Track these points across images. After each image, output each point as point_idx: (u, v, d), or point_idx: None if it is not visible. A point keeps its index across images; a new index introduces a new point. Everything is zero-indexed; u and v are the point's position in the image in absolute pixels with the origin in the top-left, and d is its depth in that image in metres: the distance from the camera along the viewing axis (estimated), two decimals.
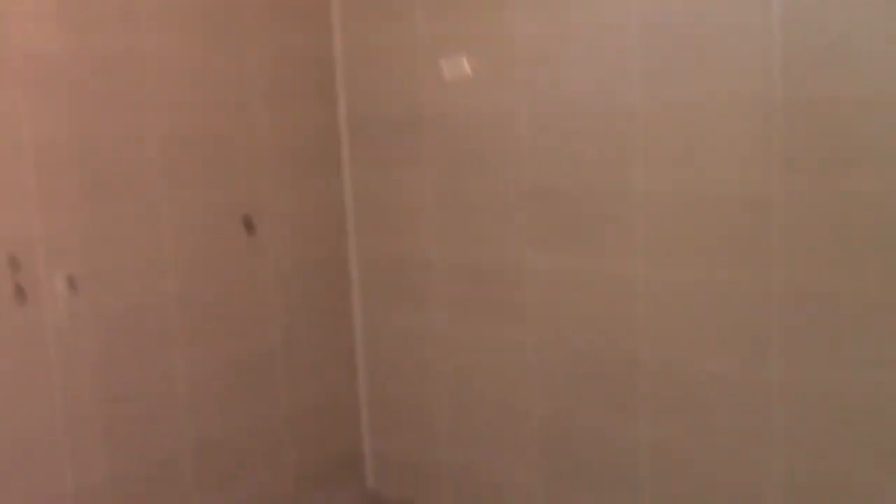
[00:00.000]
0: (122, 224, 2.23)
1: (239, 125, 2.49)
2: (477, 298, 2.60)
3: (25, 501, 2.06)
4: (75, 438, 2.15)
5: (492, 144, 2.49)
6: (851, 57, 1.90)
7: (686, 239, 2.18)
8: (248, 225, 2.51)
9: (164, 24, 2.28)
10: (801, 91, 1.96)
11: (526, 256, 2.47)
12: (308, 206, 2.72)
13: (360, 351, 2.91)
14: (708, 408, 2.21)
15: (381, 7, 2.69)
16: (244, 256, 2.53)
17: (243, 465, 2.56)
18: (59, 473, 2.12)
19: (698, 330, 2.20)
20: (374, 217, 2.81)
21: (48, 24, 2.04)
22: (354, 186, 2.83)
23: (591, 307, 2.37)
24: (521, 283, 2.50)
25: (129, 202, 2.24)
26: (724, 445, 2.20)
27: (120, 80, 2.19)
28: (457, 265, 2.63)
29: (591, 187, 2.32)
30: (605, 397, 2.39)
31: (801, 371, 2.05)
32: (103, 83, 2.16)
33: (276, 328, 2.63)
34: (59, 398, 2.11)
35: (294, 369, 2.69)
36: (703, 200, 2.14)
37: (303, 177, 2.69)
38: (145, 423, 2.30)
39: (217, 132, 2.43)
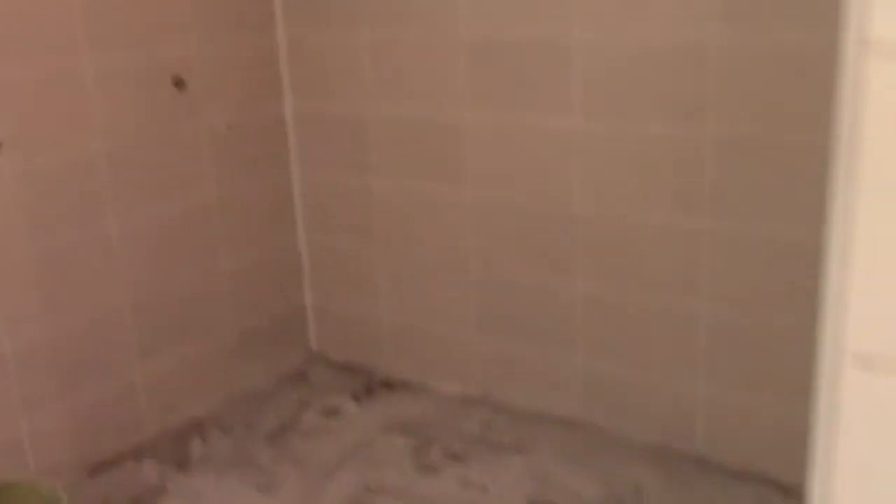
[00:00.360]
0: (45, 82, 2.14)
1: None
2: (415, 157, 2.59)
3: None
4: (8, 298, 2.12)
5: None
6: None
7: (621, 91, 2.17)
8: (178, 82, 2.43)
9: None
10: None
11: (464, 113, 2.45)
12: (240, 63, 2.63)
13: (299, 211, 2.89)
14: (641, 260, 2.26)
15: None
16: (174, 114, 2.46)
17: (184, 328, 2.57)
18: None
19: (633, 183, 2.22)
20: (309, 74, 2.74)
21: None
22: (289, 42, 2.74)
23: (529, 164, 2.38)
24: (459, 140, 2.48)
25: (50, 59, 2.14)
26: (655, 296, 2.26)
27: None
28: (394, 123, 2.59)
29: (529, 40, 2.28)
30: (542, 253, 2.42)
31: (730, 220, 2.10)
32: None
33: (210, 187, 2.59)
34: None
35: (231, 230, 2.67)
36: (639, 51, 2.12)
37: (234, 31, 2.59)
38: (80, 284, 2.29)
39: None
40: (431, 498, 2.20)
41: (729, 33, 1.98)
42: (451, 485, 2.25)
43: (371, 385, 2.79)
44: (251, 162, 2.71)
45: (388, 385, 2.79)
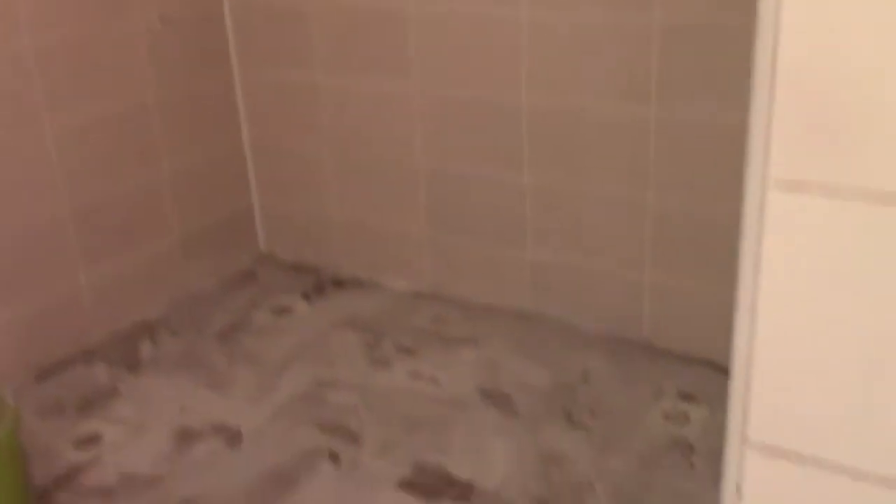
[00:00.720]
0: None
1: None
2: (359, 50, 2.52)
3: None
4: None
5: None
6: None
7: None
8: None
9: None
10: None
11: (408, 1, 2.38)
12: None
13: (241, 109, 2.82)
14: (588, 150, 2.26)
15: None
16: (104, 8, 2.35)
17: (128, 231, 2.53)
18: None
19: (580, 72, 2.20)
20: None
21: None
22: None
23: (475, 55, 2.33)
24: (404, 31, 2.42)
25: None
26: (602, 186, 2.27)
27: None
28: (337, 14, 2.52)
29: None
30: (490, 146, 2.41)
31: (678, 108, 2.09)
32: None
33: (148, 86, 2.50)
34: None
35: (172, 130, 2.59)
36: None
37: None
38: (16, 188, 2.22)
39: None
40: (384, 391, 2.22)
41: None
42: (403, 377, 2.28)
43: (321, 284, 2.79)
44: (189, 59, 2.62)
45: (339, 283, 2.78)
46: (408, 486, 1.89)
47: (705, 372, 2.20)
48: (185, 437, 2.08)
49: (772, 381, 0.56)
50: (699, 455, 1.93)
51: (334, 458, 1.98)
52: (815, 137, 0.49)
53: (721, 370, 2.18)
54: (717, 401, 2.08)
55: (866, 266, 0.51)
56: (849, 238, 0.50)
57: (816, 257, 0.52)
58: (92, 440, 2.08)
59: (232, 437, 2.07)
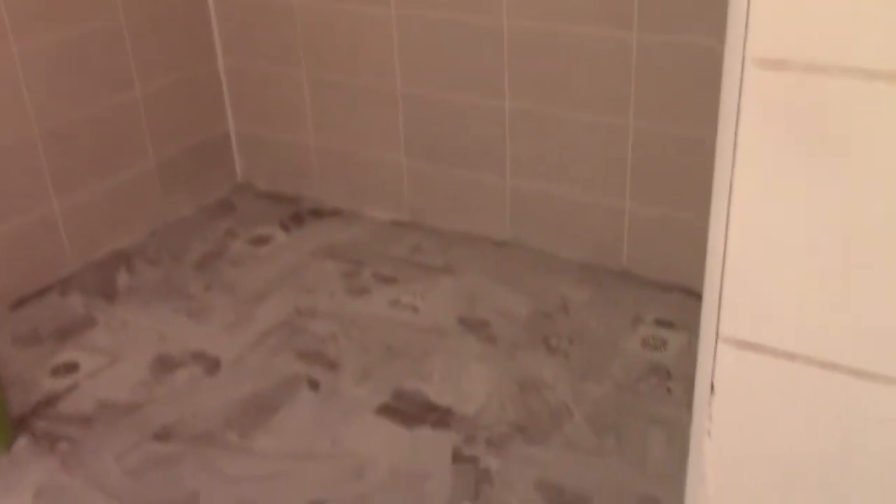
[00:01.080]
0: None
1: None
2: None
3: None
4: None
5: None
6: None
7: None
8: None
9: None
10: None
11: None
12: None
13: (216, 31, 2.74)
14: (569, 75, 2.23)
15: None
16: None
17: (101, 158, 2.48)
18: None
19: None
20: None
21: None
22: None
23: None
24: None
25: None
26: (582, 112, 2.24)
27: None
28: None
29: None
30: (471, 71, 2.36)
31: (659, 32, 2.06)
32: None
33: (116, 7, 2.43)
34: None
35: (144, 54, 2.53)
36: None
37: None
38: None
39: None
40: (362, 319, 2.22)
41: None
42: (382, 306, 2.27)
43: (300, 213, 2.76)
44: None
45: (317, 213, 2.76)
46: (387, 411, 1.90)
47: (683, 299, 2.21)
48: (164, 364, 2.07)
49: (745, 275, 0.55)
50: (676, 380, 1.95)
51: (314, 385, 1.98)
52: (795, 14, 0.48)
53: (699, 297, 2.18)
54: (695, 327, 2.08)
55: (844, 146, 0.49)
56: (827, 116, 0.49)
57: (793, 137, 0.50)
58: (69, 368, 2.07)
59: (211, 365, 2.07)
